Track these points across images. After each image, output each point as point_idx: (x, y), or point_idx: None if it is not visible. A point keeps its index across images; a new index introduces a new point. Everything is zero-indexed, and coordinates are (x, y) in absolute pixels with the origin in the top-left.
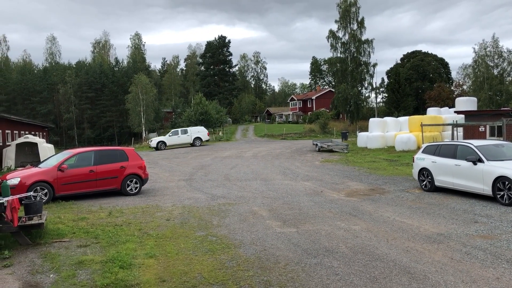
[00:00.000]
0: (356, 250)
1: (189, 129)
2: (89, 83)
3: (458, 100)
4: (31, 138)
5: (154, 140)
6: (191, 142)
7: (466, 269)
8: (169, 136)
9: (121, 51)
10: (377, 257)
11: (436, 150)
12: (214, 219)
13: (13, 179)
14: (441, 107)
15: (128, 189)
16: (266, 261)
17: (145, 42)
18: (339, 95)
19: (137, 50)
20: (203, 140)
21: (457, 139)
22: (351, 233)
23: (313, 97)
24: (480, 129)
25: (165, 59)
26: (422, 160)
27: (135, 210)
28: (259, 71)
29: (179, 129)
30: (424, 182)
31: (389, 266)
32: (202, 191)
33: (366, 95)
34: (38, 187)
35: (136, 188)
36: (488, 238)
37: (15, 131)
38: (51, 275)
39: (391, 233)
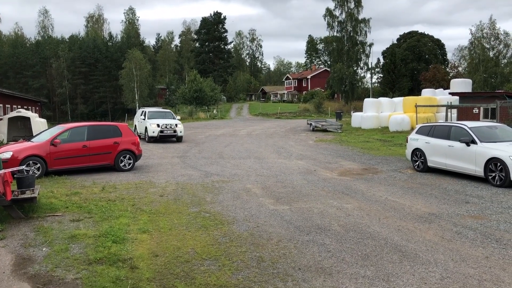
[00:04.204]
0: (348, 228)
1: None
2: (82, 58)
3: (453, 82)
4: (23, 112)
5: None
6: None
7: (456, 248)
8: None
9: (115, 25)
10: (368, 235)
11: (430, 131)
12: (207, 196)
13: (6, 153)
14: (436, 88)
15: (121, 165)
16: (259, 237)
17: (139, 17)
18: (335, 75)
19: (131, 25)
20: None
21: (451, 121)
22: (343, 211)
23: (309, 77)
24: (474, 111)
25: (159, 34)
26: (416, 140)
27: (129, 186)
28: (255, 49)
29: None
30: (417, 163)
31: (381, 244)
32: (196, 168)
33: (362, 75)
34: (31, 162)
35: (130, 164)
36: (479, 218)
37: (7, 105)
38: (44, 249)
39: (383, 212)
